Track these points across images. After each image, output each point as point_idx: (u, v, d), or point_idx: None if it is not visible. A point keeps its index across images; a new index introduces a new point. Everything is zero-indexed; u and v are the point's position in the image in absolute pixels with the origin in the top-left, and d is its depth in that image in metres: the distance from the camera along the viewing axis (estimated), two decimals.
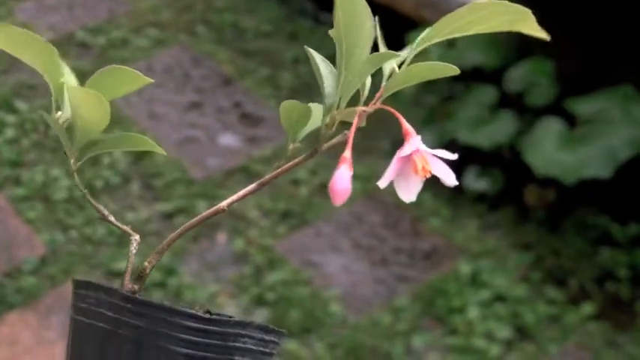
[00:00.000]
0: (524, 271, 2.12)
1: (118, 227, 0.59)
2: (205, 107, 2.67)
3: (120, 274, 2.14)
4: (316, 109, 0.56)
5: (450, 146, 2.28)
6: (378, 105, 0.49)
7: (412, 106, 2.48)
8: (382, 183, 0.49)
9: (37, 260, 2.17)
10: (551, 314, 2.02)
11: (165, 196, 2.35)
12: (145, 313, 0.52)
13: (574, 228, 2.19)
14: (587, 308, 2.02)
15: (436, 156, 0.49)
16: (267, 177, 0.54)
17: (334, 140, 0.52)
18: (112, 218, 0.59)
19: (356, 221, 2.26)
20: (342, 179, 0.47)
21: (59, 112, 0.54)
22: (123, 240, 2.19)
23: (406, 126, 0.48)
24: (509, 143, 2.28)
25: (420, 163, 0.48)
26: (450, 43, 2.52)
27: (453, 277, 2.10)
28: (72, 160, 0.56)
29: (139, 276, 0.57)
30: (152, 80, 0.52)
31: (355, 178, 2.31)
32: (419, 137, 0.48)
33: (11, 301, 2.06)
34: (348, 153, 0.49)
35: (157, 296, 2.05)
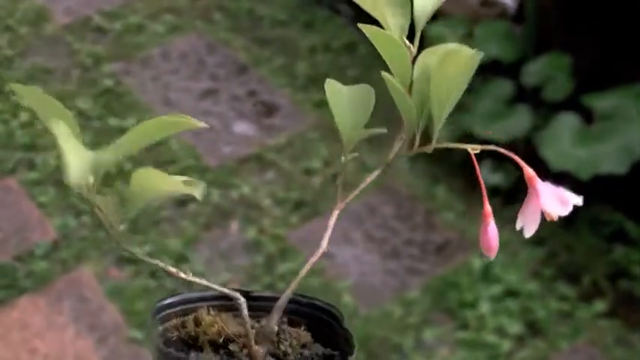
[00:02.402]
0: (537, 266, 2.11)
1: (218, 290, 0.54)
2: (220, 95, 2.67)
3: (131, 261, 2.14)
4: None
5: (465, 139, 2.27)
6: (490, 147, 0.51)
7: None
8: (528, 233, 0.50)
9: (49, 245, 2.17)
10: (563, 310, 2.01)
11: None
12: None
13: (588, 224, 2.17)
14: (600, 305, 2.01)
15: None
16: (349, 198, 0.54)
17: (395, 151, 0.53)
18: (204, 281, 0.54)
19: (369, 213, 2.25)
20: (495, 235, 0.50)
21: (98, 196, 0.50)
22: (136, 226, 2.19)
23: (529, 172, 0.51)
24: (524, 137, 2.26)
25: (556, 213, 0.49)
26: (469, 35, 2.50)
27: (465, 271, 2.10)
28: (121, 226, 0.51)
29: (267, 337, 0.54)
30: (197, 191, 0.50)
31: (368, 170, 2.31)
32: (548, 184, 0.50)
33: (22, 285, 2.06)
34: (489, 207, 0.52)
35: (168, 284, 2.05)
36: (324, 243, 0.55)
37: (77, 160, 0.41)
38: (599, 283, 2.07)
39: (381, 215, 2.25)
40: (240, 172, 2.39)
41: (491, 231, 0.51)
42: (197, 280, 0.53)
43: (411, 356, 1.93)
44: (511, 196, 2.27)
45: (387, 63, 0.50)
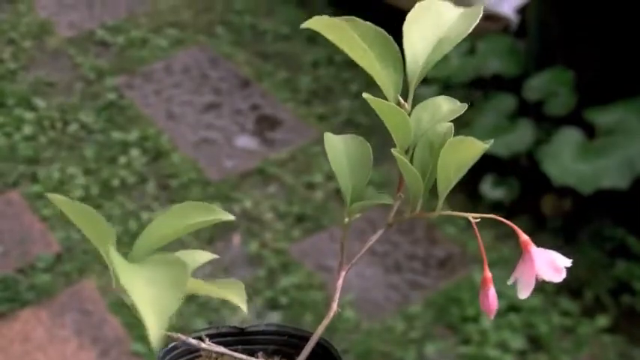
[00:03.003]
0: (539, 281, 2.10)
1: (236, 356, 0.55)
2: (223, 109, 2.67)
3: None
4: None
5: None
6: (488, 216, 0.55)
7: None
8: (523, 295, 0.55)
9: (52, 257, 2.17)
10: (566, 325, 2.01)
11: (180, 197, 2.35)
12: None
13: (590, 239, 2.17)
14: (602, 320, 2.01)
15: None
16: (355, 259, 0.56)
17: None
18: None
19: (370, 226, 2.25)
20: (494, 299, 0.55)
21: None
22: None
23: (524, 238, 0.53)
24: (527, 152, 2.27)
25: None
26: (471, 50, 2.51)
27: (467, 285, 2.09)
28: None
29: None
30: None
31: (369, 184, 2.29)
32: (542, 250, 0.53)
33: (25, 297, 2.07)
34: (489, 273, 0.56)
35: None
36: (335, 305, 0.56)
37: (159, 325, 0.39)
38: (601, 299, 2.06)
39: (380, 229, 2.24)
40: (242, 186, 2.39)
41: (492, 296, 0.55)
42: (216, 348, 0.55)
43: None
44: (513, 211, 2.27)
45: (390, 130, 0.52)
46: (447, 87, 2.44)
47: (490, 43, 2.51)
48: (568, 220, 2.21)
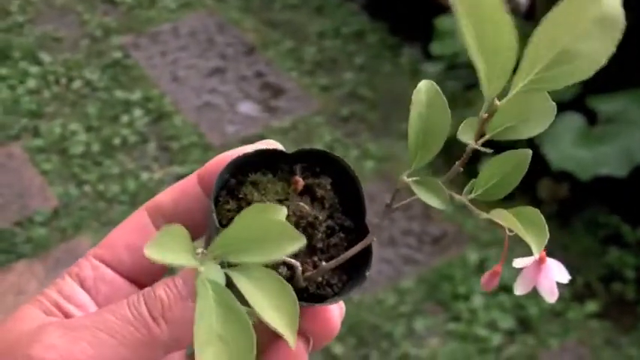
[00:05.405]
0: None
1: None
2: (227, 74, 2.68)
3: None
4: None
5: None
6: (521, 231, 0.54)
7: None
8: (519, 292, 0.57)
9: (49, 212, 2.18)
10: (555, 309, 2.02)
11: (180, 159, 2.36)
12: None
13: (585, 225, 2.18)
14: (591, 306, 2.02)
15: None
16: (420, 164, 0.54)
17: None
18: None
19: (368, 200, 2.25)
20: (497, 283, 0.58)
21: None
22: (136, 199, 2.20)
23: (543, 254, 0.55)
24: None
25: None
26: None
27: (460, 263, 2.11)
28: None
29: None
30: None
31: (370, 157, 2.30)
32: (554, 262, 0.56)
33: (20, 250, 2.08)
34: (499, 268, 0.59)
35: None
36: (389, 202, 0.55)
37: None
38: (592, 285, 2.08)
39: (380, 203, 2.25)
40: None
41: (496, 282, 0.58)
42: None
43: (401, 344, 1.94)
44: (509, 194, 2.28)
45: None
46: (452, 66, 2.45)
47: None
48: (564, 205, 2.22)
